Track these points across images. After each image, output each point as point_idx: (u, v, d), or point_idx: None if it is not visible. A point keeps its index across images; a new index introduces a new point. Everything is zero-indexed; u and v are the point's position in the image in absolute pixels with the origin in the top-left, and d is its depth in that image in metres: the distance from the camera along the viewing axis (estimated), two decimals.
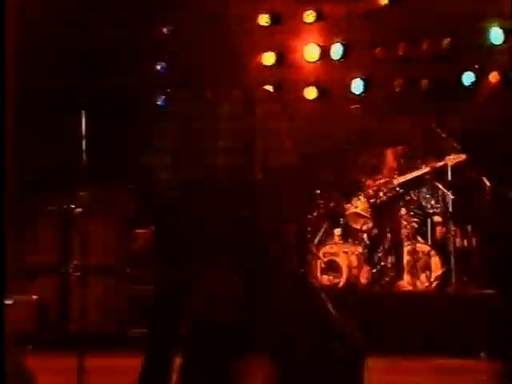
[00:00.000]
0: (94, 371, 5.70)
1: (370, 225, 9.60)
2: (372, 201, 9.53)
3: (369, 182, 9.64)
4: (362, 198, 9.69)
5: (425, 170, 9.39)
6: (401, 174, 9.50)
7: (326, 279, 9.49)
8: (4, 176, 4.40)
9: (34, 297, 8.60)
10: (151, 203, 4.68)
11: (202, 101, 4.58)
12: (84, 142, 5.76)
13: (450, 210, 9.34)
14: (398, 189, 9.46)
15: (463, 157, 9.22)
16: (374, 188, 9.56)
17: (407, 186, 9.52)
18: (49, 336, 8.27)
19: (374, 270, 9.41)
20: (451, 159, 9.23)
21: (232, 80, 4.61)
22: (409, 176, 9.43)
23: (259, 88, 4.88)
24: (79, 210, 8.72)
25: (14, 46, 5.78)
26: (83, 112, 5.84)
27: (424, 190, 9.62)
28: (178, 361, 4.65)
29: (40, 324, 8.52)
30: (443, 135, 9.42)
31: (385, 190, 9.50)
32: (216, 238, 4.40)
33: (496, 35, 10.52)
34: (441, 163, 9.31)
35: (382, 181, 9.55)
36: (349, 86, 10.93)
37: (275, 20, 11.30)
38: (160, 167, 4.57)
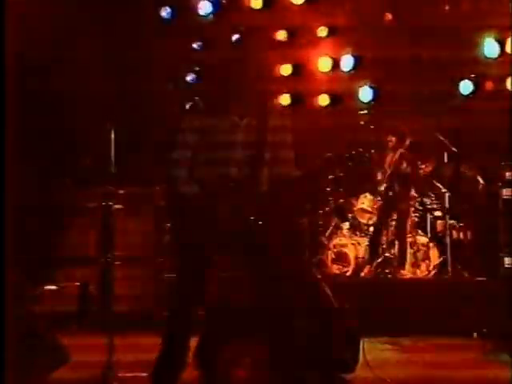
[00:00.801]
0: (124, 349, 5.77)
1: (375, 219, 9.66)
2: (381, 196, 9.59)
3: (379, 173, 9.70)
4: (367, 195, 9.79)
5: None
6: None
7: (335, 268, 9.60)
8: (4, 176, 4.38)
9: (77, 283, 8.69)
10: (174, 203, 4.85)
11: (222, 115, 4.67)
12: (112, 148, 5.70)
13: (447, 205, 9.45)
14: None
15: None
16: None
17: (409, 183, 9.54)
18: (90, 317, 8.36)
19: (379, 260, 9.44)
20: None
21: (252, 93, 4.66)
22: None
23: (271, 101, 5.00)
24: (118, 206, 9.08)
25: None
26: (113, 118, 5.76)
27: (424, 187, 9.67)
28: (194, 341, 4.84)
29: (82, 307, 8.63)
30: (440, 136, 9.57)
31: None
32: (229, 234, 4.56)
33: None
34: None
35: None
36: (357, 93, 10.95)
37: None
38: (181, 172, 4.67)
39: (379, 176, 9.73)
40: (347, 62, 11.01)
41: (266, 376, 4.76)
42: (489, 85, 10.56)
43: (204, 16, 11.19)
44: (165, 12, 11.09)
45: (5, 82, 4.24)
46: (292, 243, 6.26)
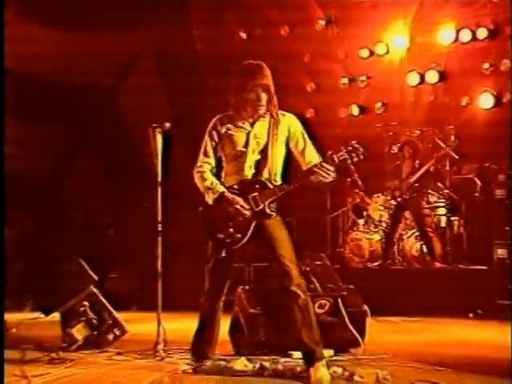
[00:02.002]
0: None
1: (386, 216, 9.72)
2: (392, 198, 9.56)
3: (390, 183, 9.70)
4: (380, 195, 9.86)
5: (430, 162, 9.43)
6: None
7: (352, 258, 9.80)
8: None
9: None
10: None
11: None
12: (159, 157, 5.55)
13: (448, 204, 9.61)
14: (416, 184, 9.42)
15: (456, 142, 9.49)
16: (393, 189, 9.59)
17: (419, 184, 9.50)
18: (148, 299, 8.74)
19: (390, 251, 9.56)
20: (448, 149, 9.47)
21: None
22: (420, 172, 9.39)
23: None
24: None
25: None
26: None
27: (430, 188, 9.67)
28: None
29: (141, 291, 8.87)
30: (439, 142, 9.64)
31: (404, 189, 9.46)
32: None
33: None
34: (442, 152, 9.48)
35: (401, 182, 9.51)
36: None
37: None
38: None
39: (396, 182, 9.67)
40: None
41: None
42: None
43: None
44: None
45: None
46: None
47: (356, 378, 4.52)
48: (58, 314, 5.97)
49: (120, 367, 5.03)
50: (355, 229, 10.06)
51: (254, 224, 4.64)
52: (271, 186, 4.66)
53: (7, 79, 5.97)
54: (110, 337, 5.85)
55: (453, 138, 9.77)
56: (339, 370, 4.64)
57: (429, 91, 11.12)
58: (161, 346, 5.38)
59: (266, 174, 4.69)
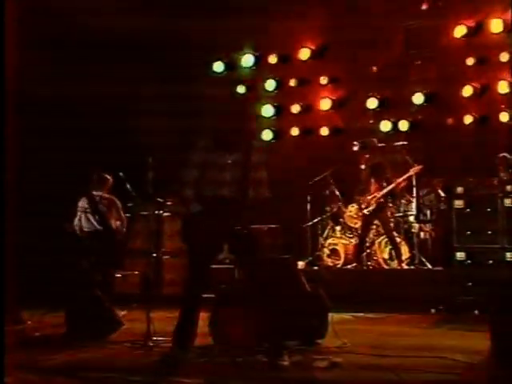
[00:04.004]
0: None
1: (360, 224, 9.89)
2: (364, 209, 9.70)
3: (360, 198, 9.83)
4: (354, 205, 10.04)
5: (398, 180, 9.60)
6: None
7: (330, 261, 9.94)
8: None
9: (136, 272, 9.05)
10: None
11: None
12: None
13: (416, 212, 9.77)
14: (381, 200, 9.64)
15: (420, 167, 9.54)
16: (365, 202, 9.74)
17: (388, 196, 9.73)
18: (147, 297, 8.83)
19: (363, 255, 9.75)
20: (414, 170, 9.58)
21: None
22: (387, 188, 9.63)
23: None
24: (167, 214, 9.50)
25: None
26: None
27: (399, 199, 9.90)
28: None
29: (141, 289, 8.84)
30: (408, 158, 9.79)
31: (372, 202, 9.65)
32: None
33: None
34: (407, 174, 9.59)
35: (369, 196, 9.70)
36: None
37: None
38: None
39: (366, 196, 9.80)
40: None
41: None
42: None
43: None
44: None
45: None
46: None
47: (312, 364, 4.76)
48: (64, 310, 6.26)
49: (115, 354, 5.35)
50: (333, 234, 10.22)
51: (230, 232, 4.90)
52: (243, 203, 4.95)
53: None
54: (109, 329, 6.11)
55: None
56: (299, 358, 4.88)
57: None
58: (151, 337, 5.67)
59: (239, 193, 4.97)
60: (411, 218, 9.86)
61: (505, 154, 9.35)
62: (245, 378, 4.35)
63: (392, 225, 9.76)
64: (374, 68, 11.19)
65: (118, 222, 8.45)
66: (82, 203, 8.30)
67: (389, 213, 9.74)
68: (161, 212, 9.05)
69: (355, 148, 10.41)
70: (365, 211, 9.72)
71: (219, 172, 4.99)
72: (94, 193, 8.25)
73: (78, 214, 8.31)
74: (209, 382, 4.23)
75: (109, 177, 8.31)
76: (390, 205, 9.81)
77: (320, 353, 5.21)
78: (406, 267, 9.40)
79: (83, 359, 5.19)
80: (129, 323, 6.45)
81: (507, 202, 8.67)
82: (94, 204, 8.10)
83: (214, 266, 5.40)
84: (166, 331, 5.49)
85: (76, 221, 8.30)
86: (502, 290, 4.79)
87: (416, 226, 9.76)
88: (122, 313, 7.35)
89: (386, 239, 9.67)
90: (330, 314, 5.95)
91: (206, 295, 5.08)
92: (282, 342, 4.86)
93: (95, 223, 8.16)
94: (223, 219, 4.89)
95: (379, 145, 10.27)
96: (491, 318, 4.78)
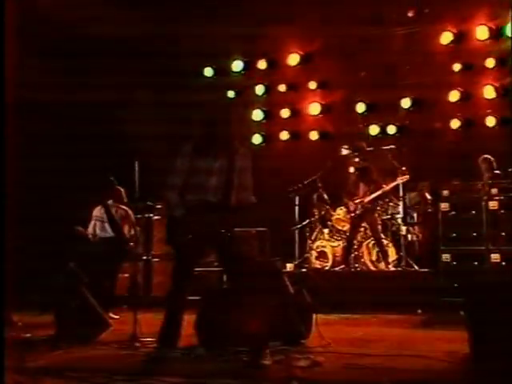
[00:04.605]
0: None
1: (348, 227, 9.97)
2: (352, 212, 9.78)
3: (348, 201, 9.90)
4: (342, 208, 10.12)
5: (385, 188, 9.69)
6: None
7: (318, 264, 10.00)
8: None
9: (126, 275, 8.96)
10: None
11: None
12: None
13: (402, 215, 9.87)
14: (368, 204, 9.74)
15: (407, 177, 9.64)
16: (353, 205, 9.82)
17: (376, 200, 9.80)
18: (137, 299, 8.77)
19: (351, 257, 9.81)
20: (402, 178, 9.67)
21: None
22: (374, 194, 9.75)
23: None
24: (157, 217, 9.60)
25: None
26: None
27: (387, 202, 9.95)
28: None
29: (131, 292, 8.83)
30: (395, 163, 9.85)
31: (360, 206, 9.74)
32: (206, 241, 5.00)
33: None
34: (394, 183, 9.71)
35: (357, 200, 9.79)
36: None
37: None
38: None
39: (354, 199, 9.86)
40: None
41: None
42: None
43: None
44: None
45: None
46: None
47: (293, 362, 4.83)
48: (53, 311, 6.33)
49: (103, 355, 5.41)
50: (321, 237, 10.26)
51: (214, 235, 4.98)
52: (226, 206, 5.01)
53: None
54: (97, 330, 6.17)
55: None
56: (281, 357, 4.95)
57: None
58: (137, 338, 5.76)
59: (222, 196, 5.04)
60: (399, 221, 9.93)
61: (487, 156, 9.49)
62: (227, 376, 4.39)
63: (380, 227, 9.81)
64: (363, 73, 11.29)
65: (132, 231, 8.62)
66: (98, 212, 8.50)
67: (376, 215, 9.80)
68: (151, 215, 9.32)
69: (344, 152, 10.44)
70: (353, 214, 9.81)
71: (204, 177, 5.04)
72: (110, 203, 8.41)
73: (93, 221, 8.54)
74: (191, 380, 4.27)
75: (121, 189, 8.45)
76: (378, 208, 9.88)
77: (303, 353, 5.23)
78: (393, 269, 9.46)
79: (70, 359, 5.23)
80: (117, 325, 6.53)
81: (491, 204, 8.87)
82: (109, 213, 8.30)
83: (202, 269, 5.45)
84: (152, 332, 5.52)
85: (90, 227, 8.51)
86: (478, 289, 4.84)
87: (403, 228, 9.83)
88: (115, 317, 7.47)
89: (374, 242, 9.72)
90: (315, 315, 6.00)
91: (192, 297, 5.12)
92: (264, 343, 4.91)
93: (109, 230, 8.36)
94: (207, 223, 4.95)
95: (368, 149, 10.27)
96: (468, 315, 4.83)
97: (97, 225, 8.49)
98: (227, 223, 4.97)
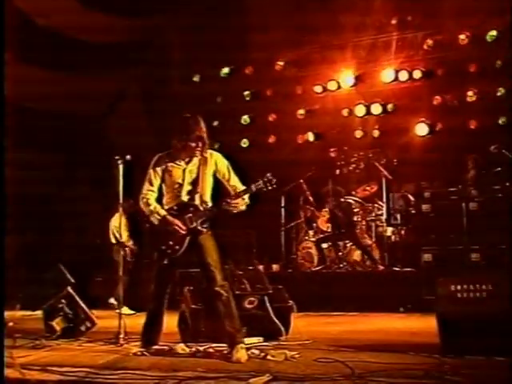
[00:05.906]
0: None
1: (331, 228, 10.06)
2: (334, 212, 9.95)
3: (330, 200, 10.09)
4: (327, 209, 10.23)
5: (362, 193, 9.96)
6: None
7: (303, 264, 10.09)
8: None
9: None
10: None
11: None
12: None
13: (386, 217, 10.03)
14: (352, 206, 9.98)
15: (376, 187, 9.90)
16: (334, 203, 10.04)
17: (359, 203, 10.04)
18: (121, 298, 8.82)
19: (335, 257, 9.92)
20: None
21: None
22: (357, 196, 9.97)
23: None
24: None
25: None
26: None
27: (369, 204, 10.13)
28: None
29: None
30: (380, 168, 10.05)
31: (343, 206, 9.95)
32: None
33: None
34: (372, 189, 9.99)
35: (341, 199, 10.01)
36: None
37: None
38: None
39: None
40: None
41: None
42: None
43: None
44: None
45: None
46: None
47: (268, 357, 4.98)
48: (42, 310, 6.49)
49: (86, 351, 5.53)
50: (306, 238, 10.35)
51: (188, 238, 5.18)
52: (202, 209, 5.22)
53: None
54: (83, 328, 6.38)
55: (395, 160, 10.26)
56: (256, 352, 5.11)
57: (373, 121, 11.59)
58: (121, 336, 5.88)
59: (197, 200, 5.24)
60: (382, 222, 10.06)
61: (474, 155, 9.68)
62: (203, 369, 4.52)
63: (359, 231, 9.91)
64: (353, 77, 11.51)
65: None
66: (116, 221, 9.17)
67: (359, 218, 9.93)
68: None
69: (331, 154, 10.71)
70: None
71: (179, 180, 5.23)
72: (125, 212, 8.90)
73: (111, 230, 9.55)
74: (171, 374, 4.39)
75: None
76: (358, 209, 10.01)
77: (279, 348, 5.33)
78: (376, 269, 9.58)
79: (57, 356, 5.37)
80: (104, 322, 6.68)
81: (472, 205, 9.02)
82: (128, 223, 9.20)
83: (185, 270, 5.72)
84: (137, 330, 5.66)
85: (111, 235, 9.47)
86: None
87: (387, 229, 9.95)
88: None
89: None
90: (294, 314, 6.15)
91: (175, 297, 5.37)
92: (241, 339, 5.06)
93: (125, 238, 9.26)
94: (184, 225, 5.15)
95: (354, 152, 10.51)
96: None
97: (115, 232, 9.39)
98: (205, 224, 5.18)
